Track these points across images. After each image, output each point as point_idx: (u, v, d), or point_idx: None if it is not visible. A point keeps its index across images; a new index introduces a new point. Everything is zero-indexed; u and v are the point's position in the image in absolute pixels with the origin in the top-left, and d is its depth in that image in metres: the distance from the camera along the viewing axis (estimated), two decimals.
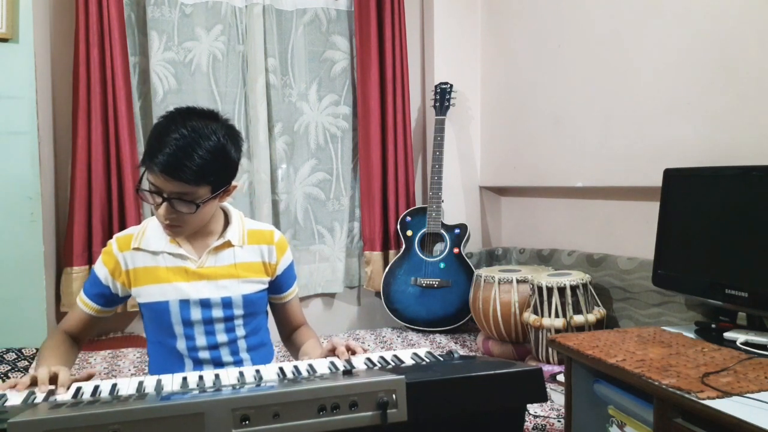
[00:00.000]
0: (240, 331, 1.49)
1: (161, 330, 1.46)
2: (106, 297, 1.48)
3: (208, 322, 1.45)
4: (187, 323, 1.44)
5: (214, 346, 1.47)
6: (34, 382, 1.15)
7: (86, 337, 1.54)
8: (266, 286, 1.54)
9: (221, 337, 1.47)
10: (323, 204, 3.15)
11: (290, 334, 1.66)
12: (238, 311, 1.48)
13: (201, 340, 1.45)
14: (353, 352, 1.32)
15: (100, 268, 1.48)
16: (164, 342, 1.47)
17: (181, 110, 1.37)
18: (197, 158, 1.29)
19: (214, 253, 1.47)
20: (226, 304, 1.46)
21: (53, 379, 1.16)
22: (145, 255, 1.45)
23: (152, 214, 1.48)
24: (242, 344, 1.50)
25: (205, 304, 1.44)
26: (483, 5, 3.22)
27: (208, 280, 1.45)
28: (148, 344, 1.55)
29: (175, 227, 1.38)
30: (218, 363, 1.47)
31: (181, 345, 1.45)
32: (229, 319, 1.47)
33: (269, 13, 2.94)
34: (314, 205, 3.13)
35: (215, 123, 1.36)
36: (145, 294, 1.45)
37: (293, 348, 1.63)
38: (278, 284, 1.58)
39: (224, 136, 1.35)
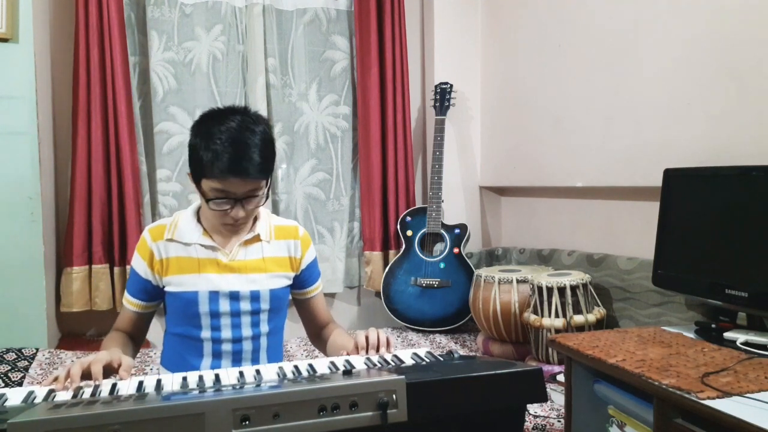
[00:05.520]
0: (264, 327, 1.52)
1: (187, 320, 1.47)
2: (148, 291, 1.50)
3: (236, 315, 1.48)
4: (215, 315, 1.46)
5: (237, 340, 1.49)
6: (87, 375, 1.17)
7: (141, 335, 1.56)
8: (290, 281, 1.57)
9: (246, 331, 1.49)
10: (323, 204, 3.15)
11: (319, 332, 1.66)
12: (265, 305, 1.50)
13: (226, 333, 1.47)
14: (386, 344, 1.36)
15: (138, 263, 1.49)
16: (187, 332, 1.48)
17: (214, 112, 1.39)
18: (258, 151, 1.34)
19: (244, 247, 1.49)
20: (255, 297, 1.48)
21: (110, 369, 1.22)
22: (177, 246, 1.47)
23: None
24: (263, 341, 1.53)
25: (234, 296, 1.47)
26: (483, 5, 3.22)
27: (239, 273, 1.47)
28: (165, 335, 1.57)
29: (241, 224, 1.43)
30: (237, 358, 1.49)
31: (206, 336, 1.47)
32: (255, 313, 1.49)
33: (269, 12, 2.94)
34: (314, 205, 3.13)
35: (246, 115, 1.38)
36: (175, 283, 1.46)
37: (322, 344, 1.64)
38: (302, 279, 1.59)
39: (264, 123, 1.40)
